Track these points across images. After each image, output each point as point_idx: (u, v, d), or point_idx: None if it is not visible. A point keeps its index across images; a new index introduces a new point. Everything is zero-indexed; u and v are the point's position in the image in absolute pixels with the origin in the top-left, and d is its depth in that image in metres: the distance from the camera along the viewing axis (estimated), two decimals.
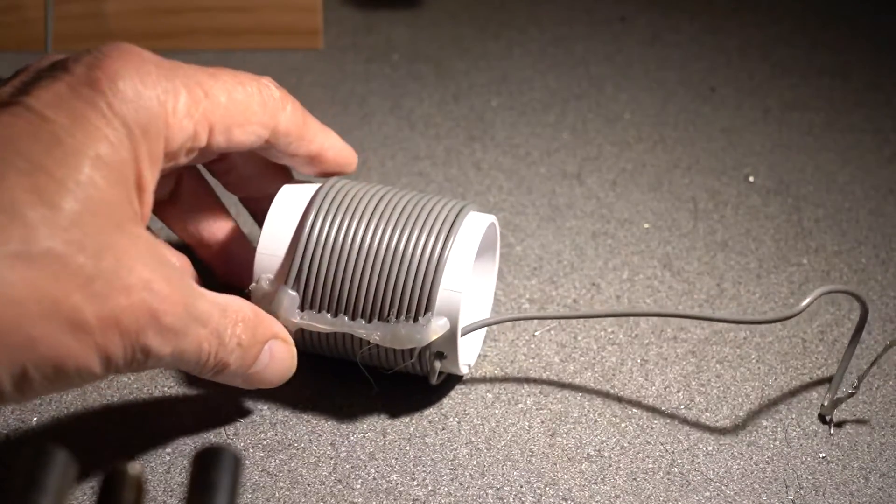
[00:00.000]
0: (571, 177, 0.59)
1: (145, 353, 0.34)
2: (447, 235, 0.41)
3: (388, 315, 0.41)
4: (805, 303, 0.43)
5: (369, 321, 0.41)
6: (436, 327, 0.41)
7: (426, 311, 0.41)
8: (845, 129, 0.64)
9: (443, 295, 0.41)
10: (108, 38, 0.65)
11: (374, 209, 0.42)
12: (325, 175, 0.44)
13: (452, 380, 0.46)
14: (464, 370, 0.45)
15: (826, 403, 0.45)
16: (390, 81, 0.65)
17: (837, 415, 0.45)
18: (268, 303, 0.41)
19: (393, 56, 0.68)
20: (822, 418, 0.45)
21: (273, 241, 0.42)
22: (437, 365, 0.42)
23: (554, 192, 0.58)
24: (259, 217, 0.46)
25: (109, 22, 0.65)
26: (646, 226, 0.56)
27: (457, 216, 0.42)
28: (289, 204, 0.42)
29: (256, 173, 0.45)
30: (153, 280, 0.33)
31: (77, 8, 0.65)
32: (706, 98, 0.66)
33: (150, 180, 0.35)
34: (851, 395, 0.44)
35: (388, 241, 0.41)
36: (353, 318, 0.41)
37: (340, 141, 0.44)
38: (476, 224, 0.43)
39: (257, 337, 0.39)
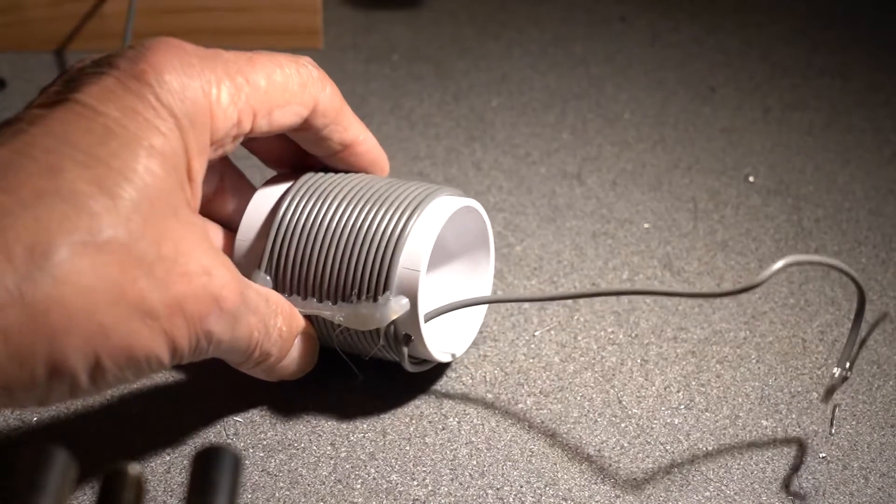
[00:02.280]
0: (571, 177, 0.59)
1: (208, 339, 0.34)
2: (410, 214, 0.42)
3: (351, 295, 0.41)
4: (767, 272, 0.38)
5: (335, 302, 0.41)
6: (395, 307, 0.41)
7: (384, 289, 0.41)
8: (845, 129, 0.64)
9: (401, 273, 0.41)
10: (108, 38, 0.66)
11: (347, 193, 0.43)
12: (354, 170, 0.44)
13: (452, 381, 0.46)
14: (444, 358, 0.44)
15: (824, 391, 0.45)
16: (390, 81, 0.65)
17: (837, 399, 0.45)
18: None
19: (393, 56, 0.68)
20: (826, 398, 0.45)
21: (249, 228, 0.43)
22: (405, 349, 0.42)
23: (554, 192, 0.58)
24: None
25: (109, 22, 0.65)
26: (646, 226, 0.56)
27: (425, 198, 0.42)
28: (268, 193, 0.43)
29: (294, 149, 0.45)
30: (212, 266, 0.34)
31: (77, 8, 0.65)
32: (706, 98, 0.66)
33: (199, 170, 0.35)
34: (845, 378, 0.44)
35: (352, 222, 0.42)
36: (321, 300, 0.42)
37: (375, 140, 0.44)
38: (447, 205, 0.43)
39: (293, 329, 0.40)
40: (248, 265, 0.42)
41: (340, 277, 0.41)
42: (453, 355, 0.46)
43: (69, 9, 0.64)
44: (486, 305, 0.48)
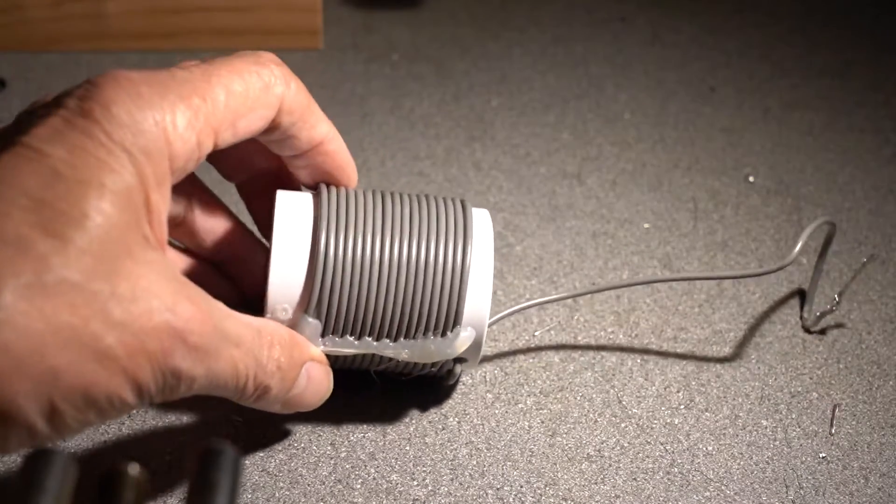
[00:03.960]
0: (571, 177, 0.59)
1: (176, 377, 0.33)
2: (464, 243, 0.40)
3: (415, 334, 0.40)
4: (797, 249, 0.46)
5: (395, 340, 0.40)
6: (464, 339, 0.40)
7: (454, 325, 0.40)
8: (845, 129, 0.64)
9: (470, 307, 0.40)
10: (108, 38, 0.66)
11: (384, 223, 0.40)
12: (323, 180, 0.42)
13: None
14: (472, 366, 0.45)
15: (806, 315, 0.46)
16: (390, 81, 0.65)
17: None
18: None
19: (393, 56, 0.68)
20: (806, 330, 0.48)
21: (285, 268, 0.39)
22: (458, 369, 0.42)
23: (554, 192, 0.58)
24: (254, 205, 0.45)
25: (109, 22, 0.65)
26: (646, 226, 0.56)
27: (465, 219, 0.41)
28: (293, 225, 0.40)
29: (253, 150, 0.44)
30: (176, 302, 0.32)
31: (77, 8, 0.65)
32: (706, 98, 0.66)
33: (160, 201, 0.34)
34: (832, 310, 0.47)
35: (406, 256, 0.40)
36: (378, 338, 0.40)
37: (343, 143, 0.43)
38: (482, 224, 0.42)
39: (295, 359, 0.38)
40: (289, 309, 0.39)
41: (403, 317, 0.40)
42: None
43: (69, 9, 0.64)
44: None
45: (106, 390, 0.31)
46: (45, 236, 0.30)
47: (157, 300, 0.32)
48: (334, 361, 0.41)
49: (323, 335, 0.40)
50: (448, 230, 0.40)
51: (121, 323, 0.31)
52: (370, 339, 0.40)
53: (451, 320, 0.40)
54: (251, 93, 0.37)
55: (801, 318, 0.47)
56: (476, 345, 0.41)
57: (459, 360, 0.42)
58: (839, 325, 0.49)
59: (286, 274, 0.39)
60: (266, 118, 0.38)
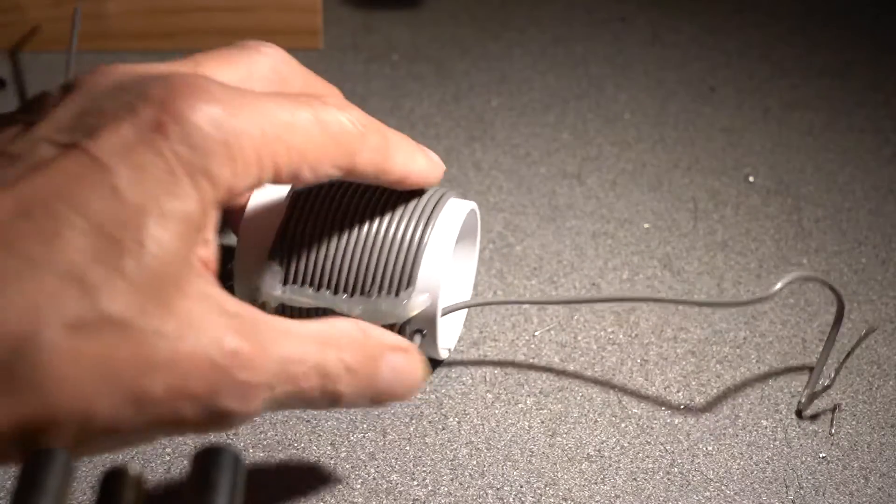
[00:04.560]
0: (571, 177, 0.59)
1: (224, 415, 0.31)
2: (430, 214, 0.42)
3: (370, 290, 0.41)
4: (777, 287, 0.42)
5: (351, 296, 0.41)
6: (417, 303, 0.41)
7: (408, 286, 0.41)
8: (845, 129, 0.64)
9: (425, 271, 0.41)
10: (108, 38, 0.65)
11: (360, 188, 0.42)
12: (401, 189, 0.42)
13: (452, 381, 0.46)
14: (443, 354, 0.45)
15: (803, 400, 0.45)
16: (390, 81, 0.65)
17: (815, 408, 0.45)
18: (250, 277, 0.41)
19: (393, 56, 0.68)
20: (798, 413, 0.45)
21: (257, 215, 0.42)
22: (417, 340, 0.42)
23: (554, 192, 0.58)
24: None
25: (109, 22, 0.65)
26: (646, 226, 0.56)
27: (439, 199, 0.42)
28: (274, 186, 0.42)
29: None
30: (222, 337, 0.31)
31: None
32: (706, 98, 0.66)
33: (213, 227, 0.32)
34: (827, 387, 0.45)
35: (371, 217, 0.41)
36: (336, 292, 0.41)
37: (425, 159, 0.41)
38: (457, 208, 0.43)
39: (369, 356, 0.36)
40: (255, 254, 0.41)
41: (360, 272, 0.41)
42: (448, 350, 0.46)
43: (69, 9, 0.64)
44: (470, 295, 0.49)
45: (138, 430, 0.30)
46: (96, 265, 0.29)
47: (205, 337, 0.30)
48: None
49: (284, 283, 0.41)
50: (418, 202, 0.42)
51: (164, 364, 0.29)
52: (328, 292, 0.41)
53: (405, 280, 0.41)
54: (327, 148, 0.35)
55: (799, 402, 0.45)
56: (431, 315, 0.41)
57: (419, 333, 0.42)
58: (836, 409, 0.45)
59: (256, 221, 0.42)
60: (332, 175, 0.36)
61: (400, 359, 0.37)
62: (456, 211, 0.43)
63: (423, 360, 0.38)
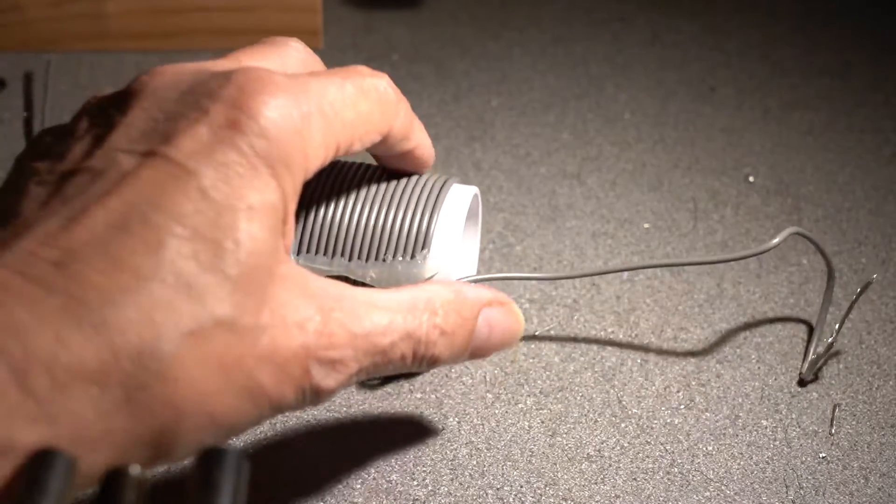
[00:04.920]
0: (571, 177, 0.59)
1: (314, 392, 0.33)
2: (443, 184, 0.43)
3: (385, 254, 0.41)
4: (776, 240, 0.44)
5: (366, 261, 0.42)
6: (433, 265, 0.41)
7: (423, 248, 0.41)
8: (845, 129, 0.64)
9: (440, 233, 0.41)
10: (108, 38, 0.65)
11: (369, 168, 0.43)
12: (396, 167, 0.43)
13: (453, 381, 0.46)
14: None
15: (804, 367, 0.45)
16: None
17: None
18: None
19: (393, 56, 0.68)
20: (801, 382, 0.45)
21: None
22: None
23: (554, 192, 0.58)
24: None
25: (109, 22, 0.65)
26: (646, 226, 0.56)
27: (446, 180, 0.43)
28: None
29: None
30: (306, 319, 0.32)
31: (77, 8, 0.65)
32: (706, 98, 0.66)
33: (293, 210, 0.34)
34: (831, 346, 0.44)
35: (385, 188, 0.42)
36: (350, 259, 0.42)
37: (430, 145, 0.43)
38: (463, 188, 0.44)
39: (465, 316, 0.37)
40: None
41: (376, 235, 0.41)
42: None
43: (69, 9, 0.64)
44: (476, 264, 0.49)
45: (252, 420, 0.31)
46: (200, 271, 0.29)
47: (294, 322, 0.31)
48: None
49: (297, 253, 0.42)
50: (428, 178, 0.43)
51: (268, 356, 0.31)
52: (343, 258, 0.41)
53: (420, 242, 0.41)
54: (372, 117, 0.37)
55: (800, 373, 0.46)
56: (446, 279, 0.42)
57: None
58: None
59: None
60: (374, 141, 0.38)
61: (496, 313, 0.38)
62: (463, 189, 0.44)
63: (518, 310, 0.39)
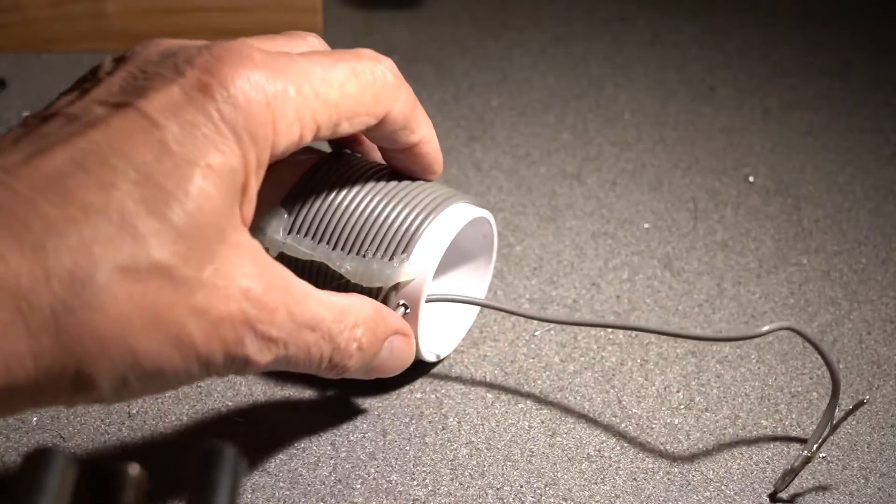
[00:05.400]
0: (571, 177, 0.59)
1: (243, 362, 0.34)
2: (447, 198, 0.43)
3: (366, 251, 0.41)
4: (765, 329, 0.41)
5: (347, 253, 0.42)
6: (407, 270, 0.41)
7: (403, 252, 0.41)
8: (845, 129, 0.64)
9: (423, 243, 0.41)
10: (108, 39, 0.65)
11: (380, 165, 0.43)
12: (407, 171, 0.43)
13: (452, 381, 0.46)
14: (429, 357, 0.45)
15: (778, 479, 0.41)
16: None
17: (794, 489, 0.42)
18: (259, 219, 0.42)
19: (393, 56, 0.68)
20: (772, 497, 0.41)
21: (284, 165, 0.42)
22: (400, 313, 0.42)
23: (554, 192, 0.58)
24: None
25: (109, 22, 0.65)
26: (646, 226, 0.56)
27: (455, 194, 0.43)
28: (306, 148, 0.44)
29: None
30: (252, 288, 0.33)
31: (77, 8, 0.65)
32: (706, 98, 0.66)
33: (255, 184, 0.34)
34: (807, 461, 0.41)
35: (385, 186, 0.42)
36: (333, 248, 0.42)
37: (436, 140, 0.43)
38: (471, 209, 0.44)
39: (378, 336, 0.39)
40: (269, 200, 0.42)
41: (364, 230, 0.41)
42: (437, 356, 0.46)
43: (69, 9, 0.64)
44: (476, 312, 0.48)
45: (177, 371, 0.32)
46: (147, 215, 0.31)
47: (236, 287, 0.32)
48: None
49: (288, 232, 0.42)
50: (434, 187, 0.43)
51: (202, 310, 0.32)
52: (326, 246, 0.42)
53: (402, 246, 0.41)
54: (362, 98, 0.37)
55: (775, 482, 0.42)
56: (416, 291, 0.41)
57: (403, 307, 0.42)
58: (821, 489, 0.42)
59: (283, 170, 0.42)
60: (367, 125, 0.39)
61: (399, 341, 0.40)
62: (469, 209, 0.43)
63: (414, 343, 0.41)
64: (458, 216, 0.43)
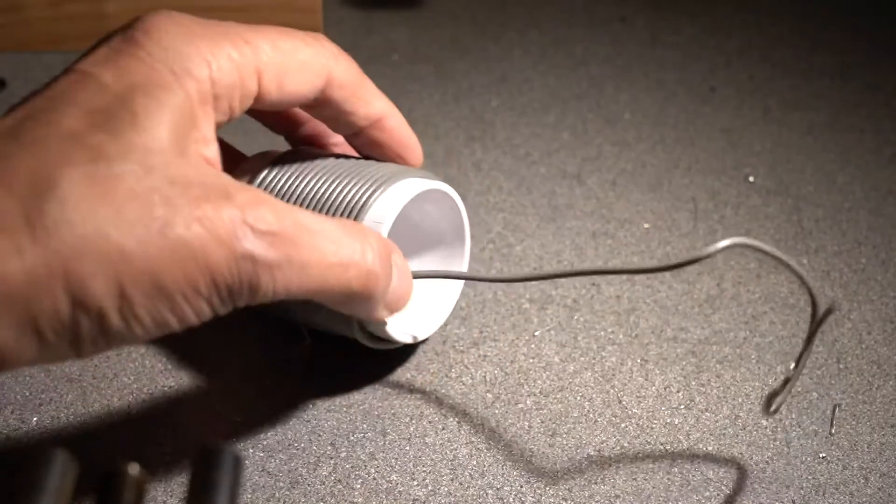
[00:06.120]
0: (571, 177, 0.59)
1: (251, 261, 0.32)
2: (411, 171, 0.43)
3: (332, 213, 0.41)
4: (717, 246, 0.39)
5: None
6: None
7: (360, 213, 0.41)
8: (845, 129, 0.64)
9: (380, 204, 0.41)
10: None
11: (342, 155, 0.44)
12: (391, 159, 0.43)
13: (452, 381, 0.46)
14: (404, 338, 0.44)
15: (764, 402, 0.42)
16: (390, 81, 0.65)
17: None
18: None
19: (393, 56, 0.68)
20: (766, 409, 0.42)
21: (262, 155, 0.44)
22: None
23: (554, 192, 0.58)
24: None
25: (109, 22, 0.65)
26: (646, 226, 0.56)
27: (415, 171, 0.43)
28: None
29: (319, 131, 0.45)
30: (237, 190, 0.33)
31: (77, 8, 0.65)
32: (706, 98, 0.66)
33: (205, 121, 0.35)
34: (787, 381, 0.41)
35: (353, 162, 0.43)
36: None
37: (403, 119, 0.43)
38: (432, 182, 0.44)
39: (385, 248, 0.38)
40: (246, 179, 0.43)
41: (326, 192, 0.42)
42: (415, 338, 0.45)
43: (69, 9, 0.64)
44: (457, 293, 0.48)
45: (175, 277, 0.31)
46: (98, 131, 0.31)
47: (219, 191, 0.32)
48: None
49: None
50: (382, 167, 0.43)
51: (185, 210, 0.31)
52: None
53: (358, 207, 0.41)
54: (298, 55, 0.38)
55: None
56: None
57: None
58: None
59: (261, 158, 0.44)
60: (314, 85, 0.39)
61: (398, 259, 0.39)
62: (427, 182, 0.43)
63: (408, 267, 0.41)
64: (412, 187, 0.42)
